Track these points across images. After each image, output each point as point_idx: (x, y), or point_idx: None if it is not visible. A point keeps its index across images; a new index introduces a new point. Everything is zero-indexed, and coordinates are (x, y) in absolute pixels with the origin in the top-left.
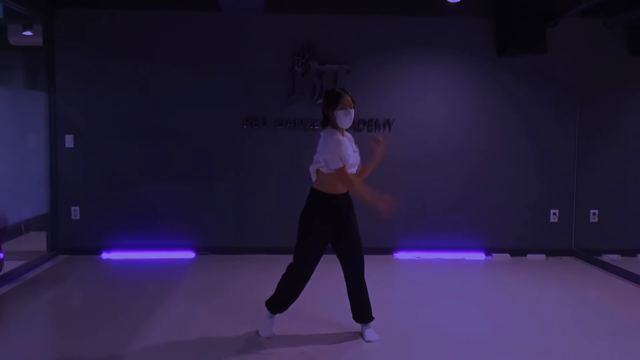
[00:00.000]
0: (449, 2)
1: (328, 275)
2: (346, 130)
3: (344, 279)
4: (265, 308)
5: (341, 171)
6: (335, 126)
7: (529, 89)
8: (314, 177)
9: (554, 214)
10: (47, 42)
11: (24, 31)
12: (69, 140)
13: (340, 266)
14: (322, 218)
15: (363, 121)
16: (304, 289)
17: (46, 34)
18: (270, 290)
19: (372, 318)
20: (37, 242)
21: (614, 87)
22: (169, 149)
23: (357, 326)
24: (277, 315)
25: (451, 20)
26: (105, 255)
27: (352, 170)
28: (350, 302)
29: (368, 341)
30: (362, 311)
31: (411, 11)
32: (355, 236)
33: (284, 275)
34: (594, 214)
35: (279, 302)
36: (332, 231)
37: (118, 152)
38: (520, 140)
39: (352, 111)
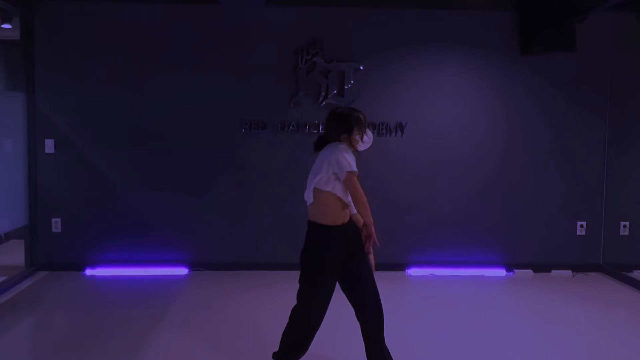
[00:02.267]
0: None
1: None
2: None
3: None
4: None
5: (352, 174)
6: (350, 147)
7: (554, 89)
8: (310, 202)
9: (581, 226)
10: (25, 37)
11: (2, 24)
12: (49, 145)
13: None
14: (332, 251)
15: (373, 124)
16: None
17: (24, 29)
18: (275, 313)
19: None
20: (18, 252)
21: None
22: (160, 155)
23: None
24: None
25: (470, 14)
26: (89, 272)
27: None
28: (367, 347)
29: None
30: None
31: (426, 4)
32: (367, 265)
33: (288, 325)
34: (624, 226)
35: (287, 351)
36: (341, 264)
37: (103, 158)
38: (544, 146)
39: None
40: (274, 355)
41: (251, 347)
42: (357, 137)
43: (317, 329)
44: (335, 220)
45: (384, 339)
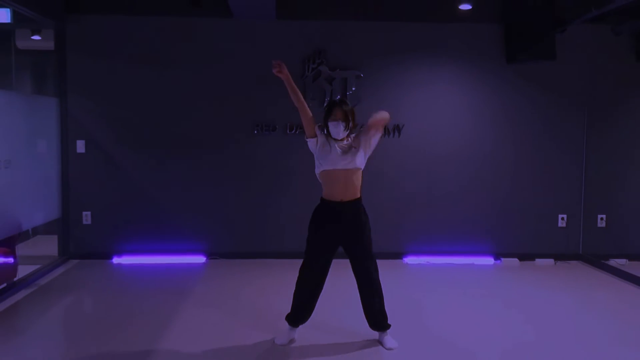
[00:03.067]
0: (460, 9)
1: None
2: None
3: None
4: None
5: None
6: (329, 136)
7: (537, 94)
8: None
9: (562, 218)
10: (58, 47)
11: (32, 35)
12: (80, 146)
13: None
14: (317, 223)
15: None
16: (320, 298)
17: (58, 40)
18: (282, 294)
19: (388, 326)
20: (44, 245)
21: (622, 93)
22: (180, 155)
23: (375, 334)
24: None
25: (461, 26)
26: (116, 260)
27: (333, 168)
28: (364, 311)
29: (388, 349)
30: (376, 319)
31: (421, 17)
32: (363, 247)
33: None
34: (601, 218)
35: (292, 310)
36: (329, 238)
37: (129, 157)
38: (529, 146)
39: (341, 123)
40: (286, 316)
41: (262, 322)
42: (329, 123)
43: (308, 287)
44: (330, 196)
45: (375, 287)
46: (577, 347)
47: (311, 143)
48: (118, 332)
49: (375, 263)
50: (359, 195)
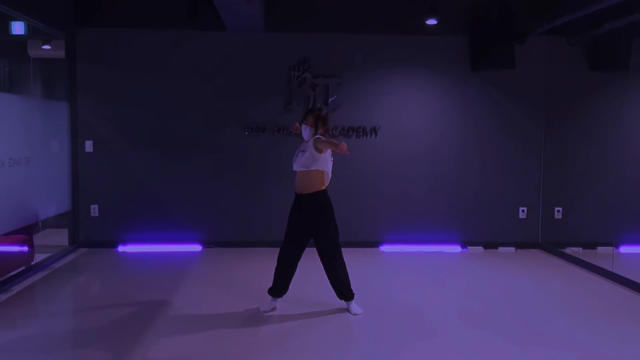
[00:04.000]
0: (427, 24)
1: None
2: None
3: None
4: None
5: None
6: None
7: (500, 99)
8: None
9: (523, 211)
10: (69, 57)
11: (42, 45)
12: (88, 146)
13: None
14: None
15: (352, 128)
16: (299, 279)
17: (68, 50)
18: (269, 276)
19: (352, 295)
20: (54, 237)
21: (576, 97)
22: (178, 153)
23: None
24: (279, 301)
25: (430, 39)
26: (121, 248)
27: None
28: (330, 283)
29: (354, 314)
30: (340, 290)
31: (395, 30)
32: (317, 231)
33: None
34: (558, 211)
35: (273, 284)
36: (295, 222)
37: (133, 156)
38: (492, 145)
39: (308, 127)
40: (269, 289)
41: (250, 296)
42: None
43: (285, 262)
44: (296, 188)
45: (333, 263)
46: (533, 320)
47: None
48: (125, 305)
49: (334, 243)
50: (313, 191)
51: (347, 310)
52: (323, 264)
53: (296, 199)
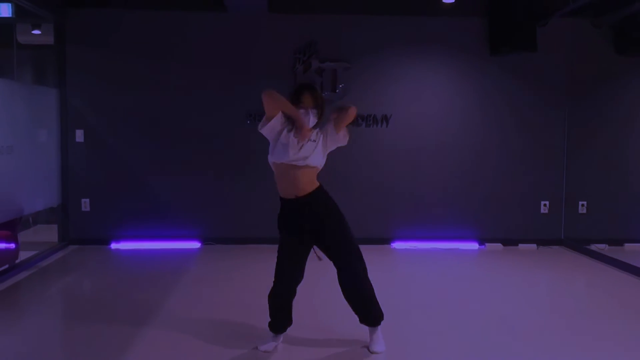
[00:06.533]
0: (444, 2)
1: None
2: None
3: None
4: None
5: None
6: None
7: (520, 85)
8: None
9: (545, 205)
10: (58, 40)
11: (32, 30)
12: (79, 135)
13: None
14: (279, 225)
15: (362, 116)
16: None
17: (57, 33)
18: (268, 276)
19: (377, 321)
20: (44, 234)
21: (601, 83)
22: (175, 144)
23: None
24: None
25: (446, 20)
26: (114, 246)
27: (296, 162)
28: (350, 304)
29: (372, 352)
30: (362, 313)
31: (408, 11)
32: (336, 241)
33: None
34: (582, 205)
35: (271, 318)
36: (296, 237)
37: (126, 146)
38: (512, 135)
39: (311, 111)
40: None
41: (247, 298)
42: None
43: (281, 293)
44: (284, 193)
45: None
46: (559, 322)
47: (272, 123)
48: (118, 305)
49: (353, 240)
50: (316, 187)
51: (369, 343)
52: (340, 277)
53: (291, 207)
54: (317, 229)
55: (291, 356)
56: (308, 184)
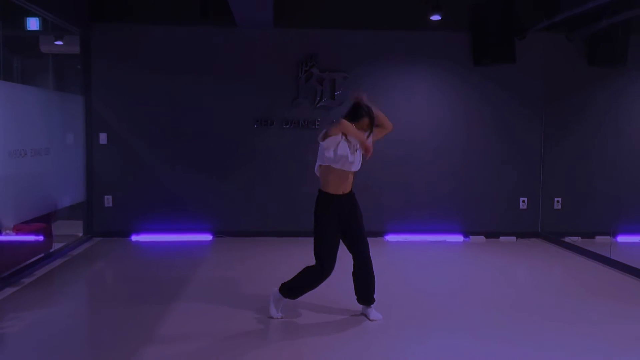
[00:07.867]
0: (432, 19)
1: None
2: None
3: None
4: (277, 290)
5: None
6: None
7: (501, 93)
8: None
9: (523, 201)
10: (84, 51)
11: (55, 41)
12: (103, 138)
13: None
14: (327, 215)
15: None
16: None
17: (83, 45)
18: (274, 265)
19: (374, 300)
20: (66, 228)
21: (574, 91)
22: (190, 146)
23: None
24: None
25: (433, 34)
26: (134, 238)
27: (351, 167)
28: (356, 285)
29: (372, 320)
30: (367, 294)
31: (399, 26)
32: (361, 230)
33: (307, 268)
34: (557, 201)
35: (293, 288)
36: (338, 225)
37: (146, 148)
38: (494, 138)
39: (366, 134)
40: (282, 285)
41: (257, 288)
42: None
43: (326, 276)
44: (337, 190)
45: (371, 265)
46: (536, 303)
47: (334, 137)
48: (142, 289)
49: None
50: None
51: (365, 315)
52: (359, 266)
53: (339, 200)
54: (349, 218)
55: (299, 322)
56: (351, 184)
